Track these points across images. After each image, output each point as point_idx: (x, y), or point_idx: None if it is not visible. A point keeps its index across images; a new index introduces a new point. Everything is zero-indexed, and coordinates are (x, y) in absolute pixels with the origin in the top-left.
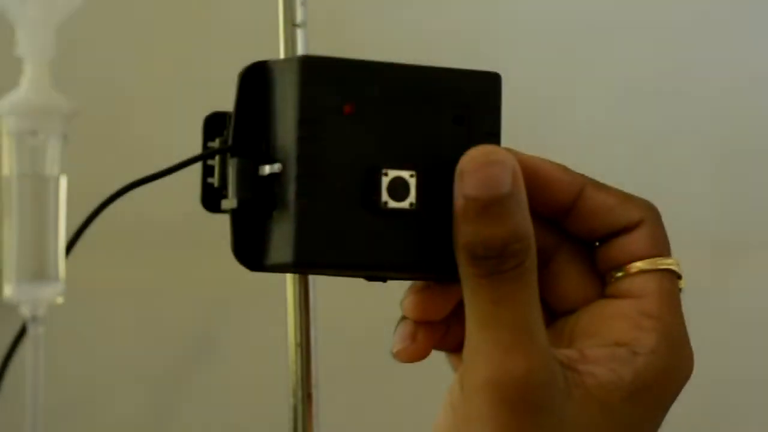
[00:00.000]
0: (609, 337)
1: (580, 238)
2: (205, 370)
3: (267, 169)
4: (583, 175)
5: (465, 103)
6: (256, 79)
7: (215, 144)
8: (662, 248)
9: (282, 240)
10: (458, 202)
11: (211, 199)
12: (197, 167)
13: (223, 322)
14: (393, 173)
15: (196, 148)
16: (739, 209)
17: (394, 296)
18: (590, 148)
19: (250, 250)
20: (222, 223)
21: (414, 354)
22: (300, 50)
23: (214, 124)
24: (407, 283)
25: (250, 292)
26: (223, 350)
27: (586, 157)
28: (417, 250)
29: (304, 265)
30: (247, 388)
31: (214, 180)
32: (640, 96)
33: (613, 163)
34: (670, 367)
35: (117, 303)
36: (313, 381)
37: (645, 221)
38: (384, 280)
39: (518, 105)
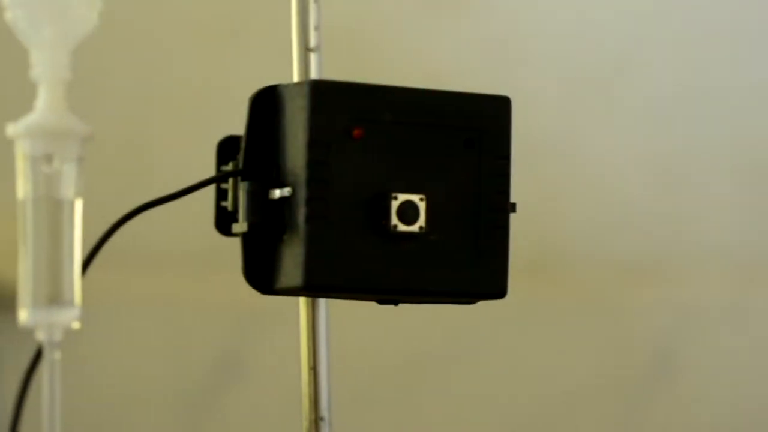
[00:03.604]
0: None
1: None
2: (230, 389)
3: (277, 193)
4: None
5: (476, 127)
6: (267, 104)
7: (228, 167)
8: None
9: (292, 263)
10: None
11: (224, 223)
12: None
13: (248, 341)
14: (403, 197)
15: (212, 172)
16: (761, 229)
17: (406, 319)
18: (611, 171)
19: (261, 274)
20: None
21: None
22: (314, 74)
23: (227, 147)
24: (419, 306)
25: (274, 312)
26: (248, 370)
27: (607, 179)
28: (427, 273)
29: (315, 288)
30: (271, 407)
31: (228, 203)
32: (659, 118)
33: (634, 184)
34: None
35: (143, 321)
36: (325, 404)
37: None
38: (396, 303)
39: (538, 129)
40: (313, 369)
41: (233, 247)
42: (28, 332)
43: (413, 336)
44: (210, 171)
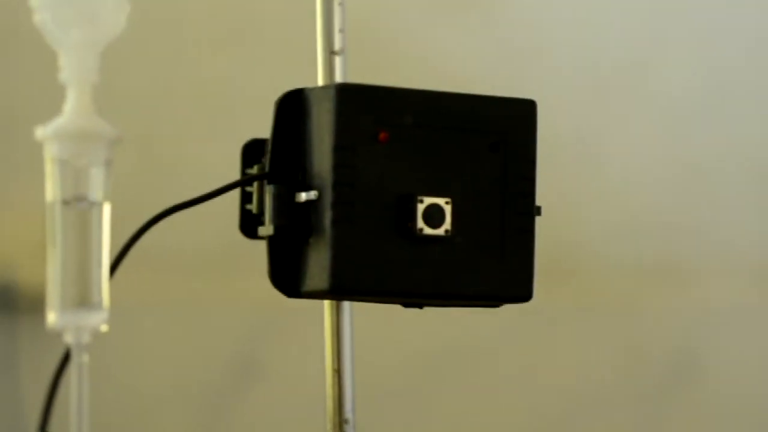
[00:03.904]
0: None
1: None
2: (249, 391)
3: (303, 196)
4: None
5: (501, 130)
6: (292, 107)
7: (253, 171)
8: None
9: (318, 267)
10: None
11: (249, 226)
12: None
13: (267, 344)
14: (428, 200)
15: (236, 175)
16: None
17: (433, 322)
18: (629, 174)
19: (287, 277)
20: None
21: None
22: (338, 77)
23: (252, 151)
24: (444, 310)
25: (294, 315)
26: (266, 372)
27: (625, 181)
28: (453, 276)
29: (341, 291)
30: (289, 410)
31: (253, 206)
32: (679, 120)
33: (653, 186)
34: None
35: (162, 324)
36: (349, 406)
37: None
38: (420, 306)
39: (556, 132)
40: (338, 371)
41: (253, 249)
42: (46, 334)
43: (436, 338)
44: (232, 174)
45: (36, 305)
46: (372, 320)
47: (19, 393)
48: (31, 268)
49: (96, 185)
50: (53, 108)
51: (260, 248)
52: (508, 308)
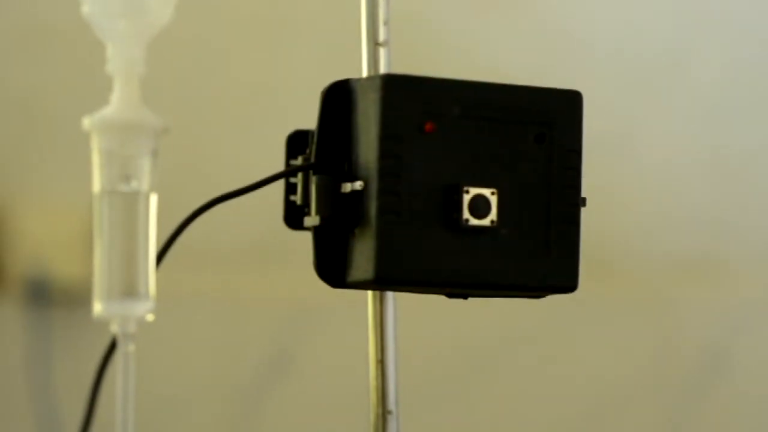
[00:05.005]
0: None
1: None
2: (285, 384)
3: (349, 187)
4: None
5: (546, 121)
6: (338, 98)
7: (298, 162)
8: None
9: (364, 257)
10: None
11: (293, 217)
12: (280, 183)
13: (303, 336)
14: (474, 191)
15: (279, 166)
16: None
17: (475, 313)
18: (666, 167)
19: (332, 267)
20: (303, 239)
21: None
22: (383, 69)
23: (296, 142)
24: (489, 300)
25: (331, 308)
26: (304, 365)
27: (662, 175)
28: (498, 266)
29: (386, 282)
30: (327, 403)
31: (297, 197)
32: (720, 116)
33: (690, 180)
34: None
35: (197, 317)
36: (393, 397)
37: None
38: (465, 297)
39: (594, 124)
40: (381, 362)
41: (290, 243)
42: (79, 327)
43: (478, 329)
44: (276, 166)
45: (69, 299)
46: (415, 311)
47: (52, 386)
48: (63, 262)
49: (142, 176)
50: (80, 105)
51: (297, 242)
52: (547, 301)
